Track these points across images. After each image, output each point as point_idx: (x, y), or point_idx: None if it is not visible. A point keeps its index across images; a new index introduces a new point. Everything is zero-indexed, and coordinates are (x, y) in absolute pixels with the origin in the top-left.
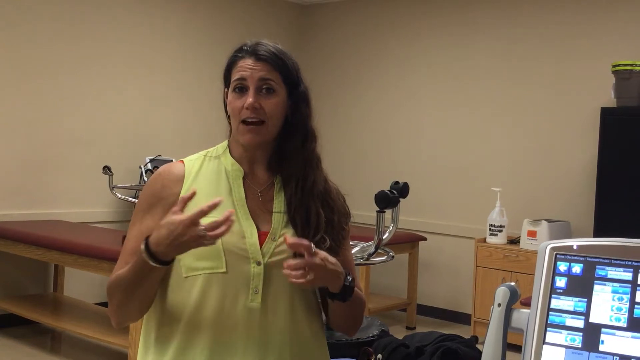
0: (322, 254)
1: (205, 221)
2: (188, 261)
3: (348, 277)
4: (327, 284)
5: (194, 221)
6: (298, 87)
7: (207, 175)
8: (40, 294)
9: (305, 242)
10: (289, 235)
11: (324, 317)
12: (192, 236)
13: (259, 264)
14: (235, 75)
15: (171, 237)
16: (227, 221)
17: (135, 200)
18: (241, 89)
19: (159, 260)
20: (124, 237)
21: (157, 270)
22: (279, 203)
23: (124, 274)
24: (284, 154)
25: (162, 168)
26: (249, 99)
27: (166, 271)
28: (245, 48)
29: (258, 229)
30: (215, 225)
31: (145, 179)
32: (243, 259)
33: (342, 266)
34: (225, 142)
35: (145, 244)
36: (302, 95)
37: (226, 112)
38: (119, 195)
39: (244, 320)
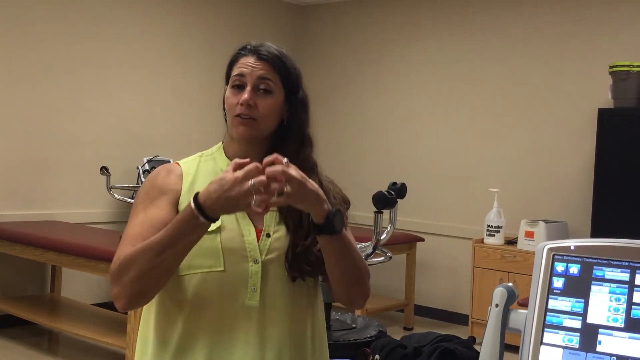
0: (301, 172)
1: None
2: (185, 259)
3: (333, 208)
4: (309, 207)
5: (246, 177)
6: (297, 92)
7: (205, 174)
8: (38, 295)
9: (276, 155)
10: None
11: (323, 318)
12: (240, 191)
13: (256, 262)
14: (234, 72)
15: (220, 190)
16: (273, 188)
17: (133, 201)
18: (239, 86)
19: (206, 215)
20: (121, 238)
21: (198, 230)
22: None
23: (155, 241)
24: None
25: (159, 167)
26: (244, 96)
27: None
28: (248, 47)
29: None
30: (263, 184)
31: (143, 179)
32: (241, 257)
33: None
34: (220, 144)
35: (194, 198)
36: (300, 101)
37: (224, 109)
38: (116, 195)
39: (243, 319)
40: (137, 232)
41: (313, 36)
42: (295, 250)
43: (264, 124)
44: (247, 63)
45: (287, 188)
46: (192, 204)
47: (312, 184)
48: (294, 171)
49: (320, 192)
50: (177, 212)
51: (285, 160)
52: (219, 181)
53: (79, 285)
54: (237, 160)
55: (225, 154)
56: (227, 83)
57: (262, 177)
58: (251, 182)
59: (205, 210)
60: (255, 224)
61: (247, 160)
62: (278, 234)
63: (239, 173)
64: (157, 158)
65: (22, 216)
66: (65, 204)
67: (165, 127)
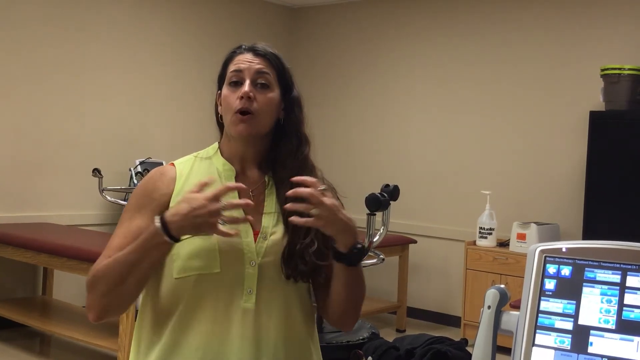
0: (334, 201)
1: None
2: (181, 261)
3: (361, 244)
4: (336, 234)
5: (216, 196)
6: (291, 91)
7: (199, 175)
8: (29, 297)
9: (309, 178)
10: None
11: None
12: (210, 210)
13: (252, 264)
14: (231, 69)
15: (189, 208)
16: (243, 205)
17: (125, 203)
18: (237, 83)
19: (171, 235)
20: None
21: (162, 248)
22: (270, 203)
23: (122, 255)
24: (277, 157)
25: (154, 170)
26: (244, 88)
27: (159, 270)
28: (243, 46)
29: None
30: (233, 206)
31: (135, 181)
32: (238, 259)
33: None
34: (216, 144)
35: (160, 216)
36: (295, 100)
37: (216, 114)
38: (108, 197)
39: (238, 321)
40: (118, 243)
41: (305, 39)
42: (292, 248)
43: (263, 119)
44: (244, 59)
45: (315, 211)
46: (158, 221)
47: (345, 215)
48: (326, 197)
49: (352, 224)
50: None
51: (323, 186)
52: (189, 200)
53: (71, 287)
54: (203, 181)
55: (222, 154)
56: (219, 86)
57: (237, 201)
58: (222, 202)
59: (170, 229)
60: (253, 225)
61: (208, 181)
62: (275, 236)
63: (209, 193)
64: (150, 160)
65: (13, 218)
66: (57, 206)
67: (157, 129)
